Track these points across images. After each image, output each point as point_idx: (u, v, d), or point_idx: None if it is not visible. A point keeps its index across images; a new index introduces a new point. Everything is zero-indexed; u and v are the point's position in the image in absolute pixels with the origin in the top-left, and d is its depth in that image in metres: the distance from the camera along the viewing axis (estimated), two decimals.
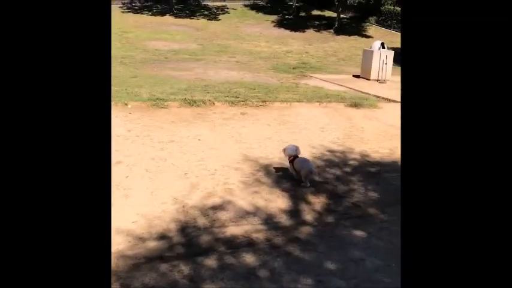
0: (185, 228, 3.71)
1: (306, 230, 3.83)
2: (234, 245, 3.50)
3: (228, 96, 8.96)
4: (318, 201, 4.44)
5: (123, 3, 27.63)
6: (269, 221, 3.95)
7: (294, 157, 4.87)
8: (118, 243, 3.41)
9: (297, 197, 4.49)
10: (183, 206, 4.11)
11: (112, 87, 9.41)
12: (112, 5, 26.99)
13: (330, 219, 4.09)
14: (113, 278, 2.93)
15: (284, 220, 3.99)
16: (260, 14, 27.67)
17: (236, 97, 8.95)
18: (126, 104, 7.88)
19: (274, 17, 26.92)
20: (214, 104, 8.38)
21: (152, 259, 3.22)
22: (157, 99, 8.27)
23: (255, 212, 4.11)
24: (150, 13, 25.90)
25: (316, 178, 4.89)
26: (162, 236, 3.56)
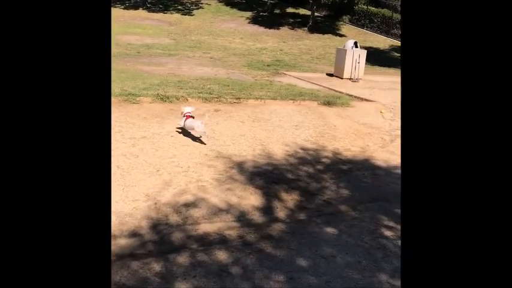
0: (157, 226, 3.68)
1: (278, 227, 3.85)
2: (207, 242, 3.49)
3: (201, 93, 8.91)
4: (291, 199, 4.47)
5: None
6: (242, 218, 3.96)
7: (189, 116, 6.09)
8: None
9: (269, 194, 4.51)
10: (155, 203, 4.08)
11: None
12: None
13: (302, 216, 4.13)
14: None
15: (257, 217, 4.01)
16: (235, 10, 27.57)
17: (210, 93, 8.91)
18: None
19: (248, 14, 26.89)
20: (187, 100, 8.31)
21: (123, 256, 3.18)
22: (129, 94, 8.14)
23: (227, 209, 4.11)
24: (122, 7, 25.45)
25: (205, 135, 6.01)
26: (134, 234, 3.52)
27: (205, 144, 5.92)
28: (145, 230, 3.59)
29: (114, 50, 15.01)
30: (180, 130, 6.37)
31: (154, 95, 8.25)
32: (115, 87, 8.68)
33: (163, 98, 8.15)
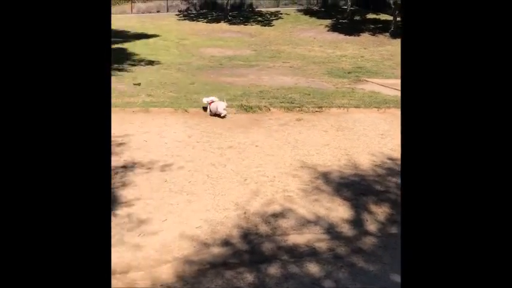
0: (247, 235, 3.74)
1: (369, 241, 3.75)
2: (297, 253, 3.48)
3: (283, 102, 8.96)
4: (381, 211, 4.33)
5: (180, 11, 28.41)
6: (331, 230, 3.91)
7: (211, 102, 7.81)
8: (184, 249, 3.49)
9: (358, 206, 4.41)
10: (245, 213, 4.15)
11: (171, 94, 9.71)
12: (169, 13, 27.88)
13: (393, 230, 3.98)
14: (180, 283, 3.00)
15: (346, 230, 3.93)
16: (314, 19, 27.50)
17: (291, 103, 8.94)
18: (185, 110, 8.09)
19: (328, 22, 26.68)
20: (270, 109, 8.41)
21: (217, 265, 3.27)
22: None
23: (316, 220, 4.08)
24: (205, 20, 26.46)
25: (224, 112, 7.65)
26: (226, 242, 3.61)
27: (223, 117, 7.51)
28: (237, 239, 3.66)
29: (197, 62, 15.65)
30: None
31: (238, 106, 8.45)
32: (201, 98, 9.02)
33: (247, 109, 8.31)
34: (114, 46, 17.87)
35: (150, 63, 14.67)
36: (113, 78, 11.80)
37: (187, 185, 4.75)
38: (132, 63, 14.49)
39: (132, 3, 28.75)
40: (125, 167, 5.25)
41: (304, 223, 4.00)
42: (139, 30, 22.10)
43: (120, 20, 25.51)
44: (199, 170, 5.22)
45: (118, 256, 3.36)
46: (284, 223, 3.98)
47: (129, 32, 21.76)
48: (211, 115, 7.77)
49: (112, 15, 29.19)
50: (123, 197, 4.38)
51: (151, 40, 19.72)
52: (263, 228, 3.87)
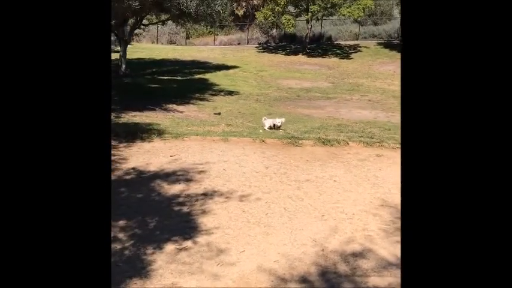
0: (326, 273, 3.65)
1: None
2: None
3: (362, 137, 8.79)
4: None
5: (259, 44, 29.29)
6: None
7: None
8: (261, 282, 3.47)
9: None
10: (323, 250, 4.06)
11: (249, 124, 9.92)
12: (249, 45, 28.82)
13: None
14: None
15: None
16: (394, 52, 26.99)
17: (371, 137, 8.74)
18: (263, 141, 8.20)
19: None
20: (348, 144, 8.27)
21: None
22: (292, 137, 8.46)
23: (398, 263, 3.88)
24: (283, 52, 26.99)
25: (280, 121, 9.22)
26: (304, 279, 3.54)
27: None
28: (315, 277, 3.58)
29: (275, 93, 15.92)
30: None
31: (315, 138, 8.42)
32: (279, 130, 9.11)
33: (325, 142, 8.25)
34: (196, 76, 18.77)
35: (230, 93, 15.17)
36: (194, 107, 12.34)
37: (265, 217, 4.76)
38: (213, 93, 15.08)
39: (215, 36, 30.14)
40: (205, 194, 5.39)
41: (385, 265, 3.83)
42: (221, 62, 23.03)
43: (203, 51, 26.82)
44: (276, 202, 5.22)
45: (197, 284, 3.42)
46: (364, 264, 3.84)
47: (211, 63, 22.77)
48: (269, 129, 9.07)
49: (195, 47, 30.81)
50: (203, 225, 4.48)
51: (231, 71, 20.45)
52: (342, 268, 3.75)
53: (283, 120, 9.31)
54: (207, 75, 18.98)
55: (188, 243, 4.07)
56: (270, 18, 26.16)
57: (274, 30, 30.31)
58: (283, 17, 25.38)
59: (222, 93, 15.04)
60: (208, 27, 28.13)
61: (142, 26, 19.12)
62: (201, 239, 4.17)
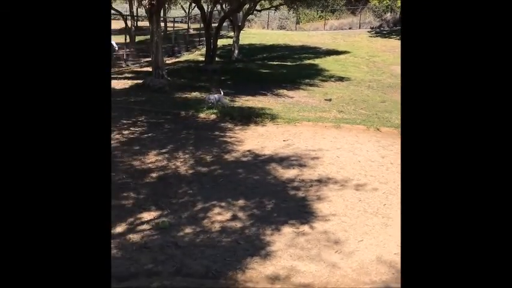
0: None
1: None
2: None
3: None
4: None
5: (372, 28, 28.19)
6: None
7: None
8: (382, 273, 3.38)
9: None
10: None
11: (362, 111, 9.65)
12: (361, 29, 27.90)
13: None
14: None
15: None
16: None
17: None
18: (377, 129, 7.93)
19: None
20: None
21: None
22: None
23: None
24: (398, 37, 25.68)
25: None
26: None
27: None
28: None
29: (388, 80, 15.27)
30: None
31: None
32: (394, 118, 8.74)
33: None
34: (306, 62, 18.70)
35: (340, 79, 14.88)
36: (304, 93, 12.33)
37: (383, 208, 4.61)
38: (323, 78, 14.91)
39: (325, 20, 29.68)
40: (319, 181, 5.37)
41: None
42: (331, 47, 22.66)
43: (313, 36, 26.58)
44: (394, 193, 5.03)
45: (316, 270, 3.43)
46: None
47: (320, 48, 22.51)
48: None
49: (305, 32, 30.61)
50: (319, 211, 4.48)
51: (341, 56, 20.02)
52: None
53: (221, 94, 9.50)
54: (317, 61, 18.80)
55: (305, 228, 4.10)
56: (384, 2, 25.04)
57: (388, 14, 28.93)
58: (398, 0, 24.09)
59: (333, 79, 14.81)
60: (319, 11, 27.79)
61: (255, 12, 19.49)
62: (318, 225, 4.17)
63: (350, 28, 28.47)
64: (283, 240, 3.85)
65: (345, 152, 6.58)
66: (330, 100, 11.22)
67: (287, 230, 4.05)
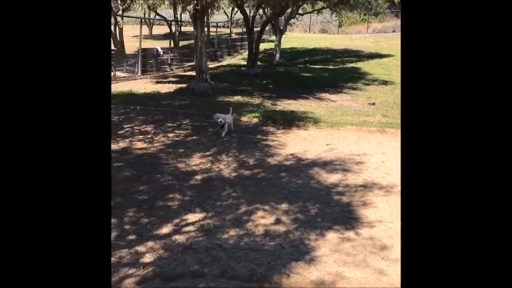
0: None
1: None
2: None
3: None
4: None
5: None
6: None
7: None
8: None
9: None
10: None
11: None
12: None
13: None
14: None
15: None
16: None
17: None
18: None
19: None
20: None
21: None
22: None
23: None
24: None
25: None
26: None
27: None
28: None
29: None
30: None
31: None
32: None
33: None
34: (348, 65, 18.49)
35: (384, 83, 14.62)
36: (347, 97, 12.18)
37: None
38: (366, 82, 14.69)
39: (368, 23, 29.24)
40: (364, 186, 5.28)
41: None
42: (374, 50, 22.31)
43: (355, 39, 26.26)
44: None
45: (362, 277, 3.37)
46: None
47: (363, 51, 22.20)
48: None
49: (347, 35, 30.41)
50: (365, 217, 4.39)
51: (385, 60, 19.66)
52: None
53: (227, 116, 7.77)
54: (360, 64, 18.55)
55: (350, 234, 4.03)
56: None
57: None
58: None
59: (376, 83, 14.57)
60: (362, 14, 27.41)
61: (297, 16, 19.47)
62: (363, 231, 4.10)
63: (394, 31, 27.91)
64: (328, 246, 3.80)
65: (391, 157, 6.43)
66: (373, 104, 11.04)
67: (332, 235, 3.99)
